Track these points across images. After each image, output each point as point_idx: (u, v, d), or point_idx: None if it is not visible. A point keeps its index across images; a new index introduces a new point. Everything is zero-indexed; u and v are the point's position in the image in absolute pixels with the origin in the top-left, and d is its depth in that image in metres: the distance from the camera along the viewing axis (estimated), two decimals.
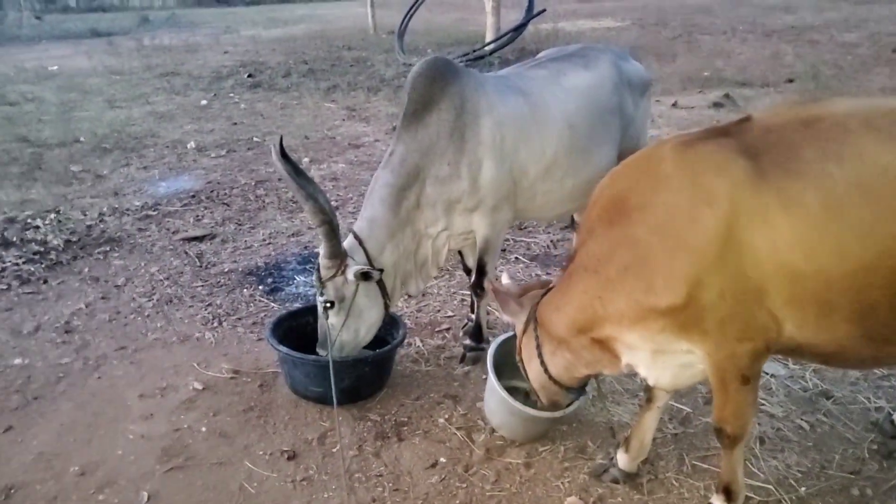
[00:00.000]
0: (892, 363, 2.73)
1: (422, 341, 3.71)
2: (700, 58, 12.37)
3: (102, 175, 6.95)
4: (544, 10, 4.08)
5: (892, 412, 2.90)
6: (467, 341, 3.50)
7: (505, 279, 2.83)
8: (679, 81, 10.42)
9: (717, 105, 9.11)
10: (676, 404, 3.11)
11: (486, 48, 4.28)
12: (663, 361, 2.22)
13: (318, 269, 2.89)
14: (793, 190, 1.89)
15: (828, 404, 3.07)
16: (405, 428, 3.01)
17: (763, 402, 3.10)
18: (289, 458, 2.82)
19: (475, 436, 2.96)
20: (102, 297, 4.33)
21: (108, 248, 5.09)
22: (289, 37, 17.56)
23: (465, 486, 2.67)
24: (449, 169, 2.98)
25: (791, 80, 10.14)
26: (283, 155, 2.70)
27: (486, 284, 3.13)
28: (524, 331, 2.57)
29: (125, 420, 3.11)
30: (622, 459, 2.66)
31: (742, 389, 2.11)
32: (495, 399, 2.83)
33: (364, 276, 2.85)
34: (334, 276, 2.85)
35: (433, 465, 2.78)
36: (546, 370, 2.50)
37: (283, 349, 3.04)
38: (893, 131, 1.92)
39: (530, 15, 3.92)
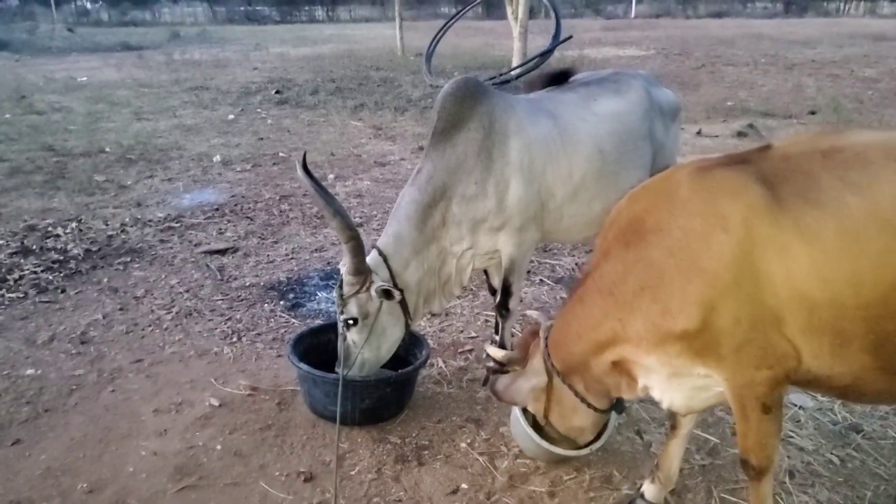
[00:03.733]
0: None
1: (444, 362, 3.65)
2: (723, 88, 12.34)
3: (126, 186, 7.02)
4: (570, 37, 4.09)
5: None
6: (491, 364, 3.43)
7: (494, 351, 2.75)
8: (703, 110, 10.38)
9: (740, 134, 9.06)
10: (704, 434, 3.02)
11: (513, 72, 4.27)
12: (679, 384, 2.19)
13: (341, 286, 2.86)
14: (810, 218, 1.89)
15: (858, 438, 2.98)
16: (426, 452, 2.95)
17: (792, 434, 3.01)
18: (305, 480, 2.76)
19: (498, 462, 2.88)
20: (120, 309, 4.32)
21: (128, 259, 5.10)
22: (317, 55, 17.78)
23: None
24: (476, 188, 2.95)
25: (813, 112, 10.09)
26: (306, 170, 2.69)
27: (493, 352, 2.89)
28: (549, 386, 2.50)
29: (138, 436, 3.06)
30: (650, 490, 2.58)
31: (764, 419, 2.07)
32: (520, 433, 2.78)
33: (385, 293, 2.82)
34: (358, 292, 2.82)
35: (454, 492, 2.71)
36: (591, 406, 2.47)
37: (304, 367, 3.00)
38: None
39: (557, 41, 3.92)
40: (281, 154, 8.27)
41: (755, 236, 1.90)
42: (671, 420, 2.53)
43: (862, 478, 2.75)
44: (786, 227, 1.89)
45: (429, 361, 3.56)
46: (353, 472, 2.82)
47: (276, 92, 12.20)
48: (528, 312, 2.80)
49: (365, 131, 9.54)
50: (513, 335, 3.55)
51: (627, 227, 2.15)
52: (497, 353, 2.71)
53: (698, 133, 9.15)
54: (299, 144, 8.74)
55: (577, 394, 2.43)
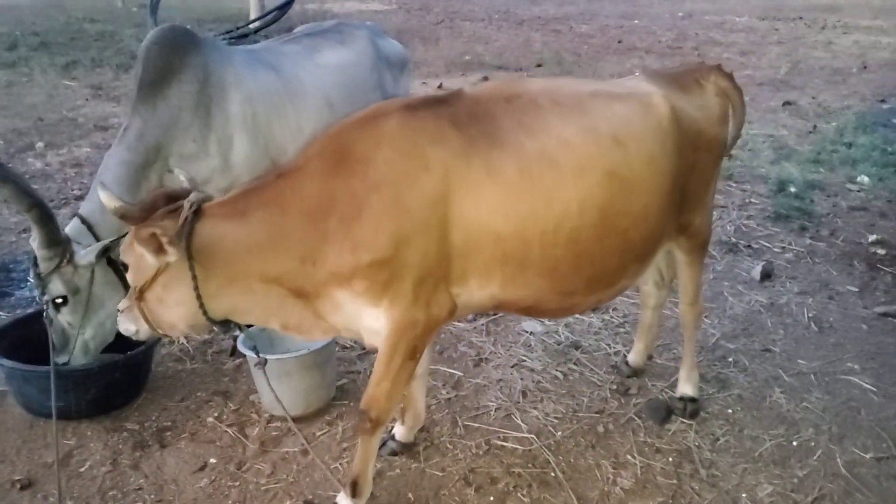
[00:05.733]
0: (578, 311, 3.12)
1: (186, 338, 3.42)
2: (461, 42, 12.96)
3: None
4: None
5: (626, 355, 3.29)
6: (237, 332, 3.29)
7: (106, 195, 2.02)
8: (443, 65, 10.81)
9: None
10: (449, 370, 3.22)
11: (251, 26, 4.06)
12: (363, 325, 2.17)
13: (35, 263, 2.51)
14: (495, 159, 2.08)
15: (577, 354, 3.40)
16: (168, 433, 2.77)
17: (524, 358, 3.35)
18: (22, 488, 2.46)
19: (248, 430, 2.80)
20: None
21: None
22: (13, 5, 15.09)
23: (237, 484, 2.52)
24: (195, 146, 2.75)
25: (540, 65, 11.03)
26: None
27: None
28: (166, 266, 2.01)
29: None
30: (399, 432, 2.69)
31: (407, 365, 2.17)
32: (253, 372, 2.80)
33: (105, 252, 2.54)
34: (59, 266, 2.50)
35: (202, 468, 2.59)
36: (205, 313, 2.10)
37: (7, 363, 2.62)
38: (574, 108, 2.24)
39: None
40: None
41: (452, 177, 2.03)
42: None
43: (580, 387, 3.15)
44: (476, 167, 2.05)
45: (166, 340, 3.32)
46: (82, 469, 2.56)
47: None
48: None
49: (81, 92, 8.40)
50: None
51: (334, 150, 2.09)
52: (108, 197, 2.01)
53: (440, 87, 9.53)
54: None
55: (196, 289, 2.03)
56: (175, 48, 2.71)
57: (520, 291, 2.20)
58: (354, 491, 2.29)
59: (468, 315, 2.95)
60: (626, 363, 3.23)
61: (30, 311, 3.25)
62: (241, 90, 2.84)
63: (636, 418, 2.92)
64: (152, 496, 2.44)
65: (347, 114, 3.17)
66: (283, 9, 3.93)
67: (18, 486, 2.45)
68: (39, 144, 6.33)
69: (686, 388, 2.96)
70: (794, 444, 2.78)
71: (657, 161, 2.30)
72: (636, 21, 15.96)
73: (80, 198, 5.14)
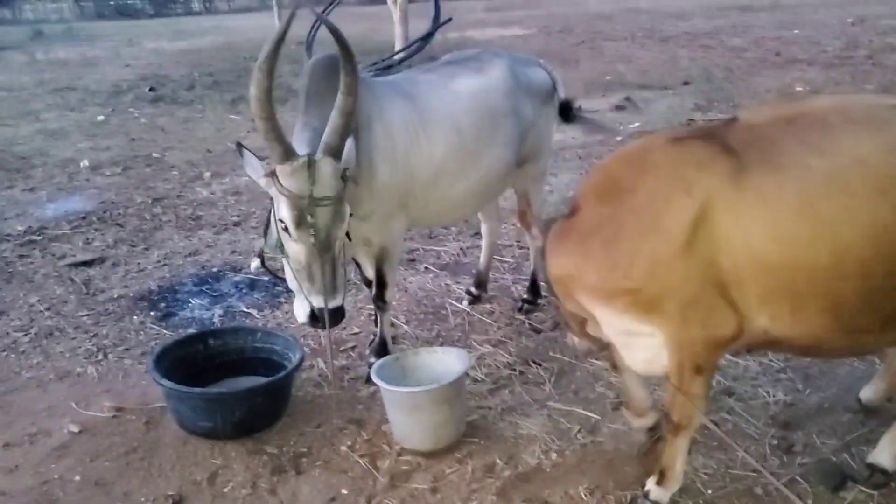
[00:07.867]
0: (869, 351, 2.80)
1: (325, 363, 3.52)
2: (602, 63, 12.66)
3: None
4: (451, 19, 4.05)
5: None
6: (373, 359, 3.33)
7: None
8: (583, 86, 10.58)
9: (618, 108, 9.25)
10: (585, 412, 3.04)
11: (395, 58, 4.19)
12: (634, 343, 2.25)
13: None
14: (772, 183, 1.95)
15: (731, 402, 3.07)
16: (304, 459, 2.82)
17: None
18: (174, 503, 2.59)
19: (379, 462, 2.80)
20: None
21: None
22: (194, 49, 16.89)
23: None
24: (353, 170, 2.81)
25: (687, 83, 10.48)
26: None
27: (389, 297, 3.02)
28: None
29: None
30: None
31: (695, 380, 2.16)
32: (387, 401, 2.85)
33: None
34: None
35: (332, 499, 2.61)
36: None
37: (167, 383, 2.81)
38: (871, 125, 2.00)
39: (437, 24, 3.87)
40: (154, 155, 7.79)
41: (716, 202, 1.96)
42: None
43: (734, 439, 2.82)
44: (747, 192, 1.95)
45: (309, 363, 3.44)
46: (226, 490, 2.66)
47: (150, 89, 11.49)
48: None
49: (244, 125, 9.13)
50: (393, 326, 3.46)
51: (604, 182, 2.24)
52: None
53: (578, 108, 9.31)
54: (174, 143, 8.26)
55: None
56: (335, 76, 2.76)
57: (797, 328, 2.02)
58: (662, 479, 2.39)
59: (740, 351, 2.78)
60: (858, 399, 2.91)
61: (189, 332, 3.51)
62: (383, 122, 2.90)
63: (801, 481, 2.58)
64: None
65: (476, 138, 3.16)
66: (425, 39, 4.01)
67: (170, 501, 2.60)
68: (207, 174, 6.93)
69: (883, 457, 2.50)
70: None
71: None
72: (796, 31, 14.80)
73: (238, 223, 5.55)
